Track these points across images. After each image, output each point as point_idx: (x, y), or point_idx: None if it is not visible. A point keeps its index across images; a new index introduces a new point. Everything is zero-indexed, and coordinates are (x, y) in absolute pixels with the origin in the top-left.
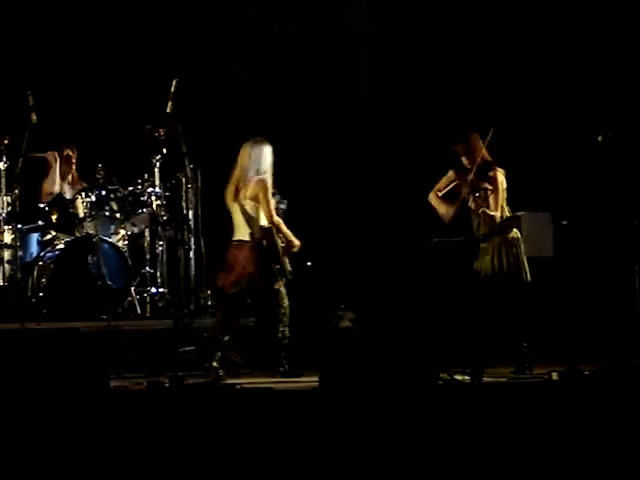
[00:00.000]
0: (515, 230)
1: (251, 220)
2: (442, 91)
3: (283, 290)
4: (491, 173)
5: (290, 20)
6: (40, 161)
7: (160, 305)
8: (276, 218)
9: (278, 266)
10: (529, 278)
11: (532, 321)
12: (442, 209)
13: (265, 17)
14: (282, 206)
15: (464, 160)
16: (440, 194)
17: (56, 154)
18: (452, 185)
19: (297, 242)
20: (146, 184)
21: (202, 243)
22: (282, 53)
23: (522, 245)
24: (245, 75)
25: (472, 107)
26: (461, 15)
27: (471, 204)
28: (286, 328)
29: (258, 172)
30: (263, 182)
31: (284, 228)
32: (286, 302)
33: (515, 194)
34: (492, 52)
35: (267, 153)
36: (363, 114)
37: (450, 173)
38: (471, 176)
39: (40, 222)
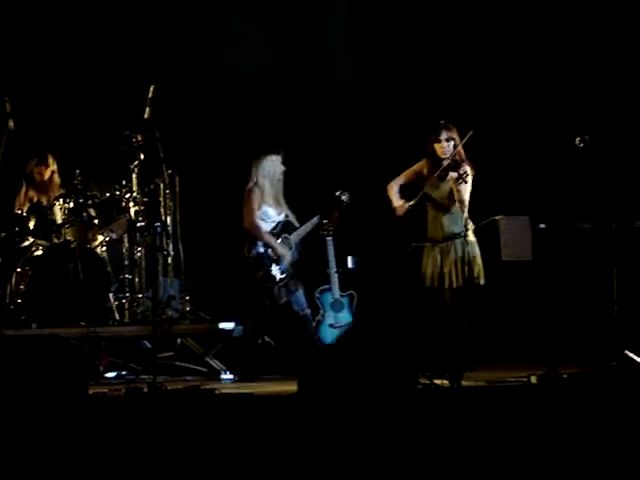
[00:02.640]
0: (471, 234)
1: None
2: (419, 91)
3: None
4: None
5: (267, 24)
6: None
7: (139, 311)
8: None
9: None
10: (482, 282)
11: (475, 326)
12: (396, 201)
13: (242, 21)
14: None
15: (437, 148)
16: (399, 184)
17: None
18: (415, 176)
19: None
20: (124, 190)
21: (181, 249)
22: (260, 57)
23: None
24: (223, 80)
25: (450, 109)
26: (440, 14)
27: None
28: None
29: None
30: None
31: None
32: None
33: (493, 198)
34: (470, 53)
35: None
36: (340, 118)
37: (422, 162)
38: (447, 162)
39: (17, 228)
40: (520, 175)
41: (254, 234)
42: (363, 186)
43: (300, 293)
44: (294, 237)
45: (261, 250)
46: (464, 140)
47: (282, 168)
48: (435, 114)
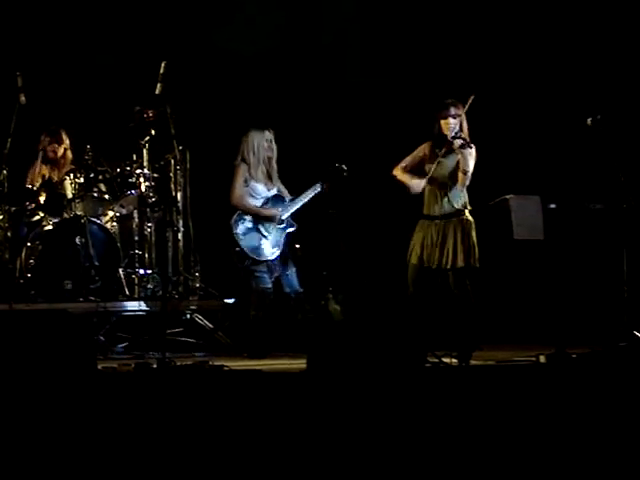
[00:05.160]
0: (468, 213)
1: None
2: (429, 69)
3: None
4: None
5: (277, 1)
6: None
7: (149, 287)
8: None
9: (237, 248)
10: (478, 264)
11: (478, 305)
12: (413, 181)
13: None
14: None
15: (444, 125)
16: (405, 167)
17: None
18: (419, 160)
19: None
20: (135, 166)
21: (191, 225)
22: (270, 34)
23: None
24: (234, 56)
25: (459, 87)
26: None
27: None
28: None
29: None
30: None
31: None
32: (254, 285)
33: (503, 177)
34: (481, 32)
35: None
36: (354, 96)
37: (423, 146)
38: (452, 138)
39: (28, 203)
40: (531, 155)
41: (240, 209)
42: (368, 164)
43: (292, 273)
44: (288, 207)
45: (249, 225)
46: (466, 107)
47: (270, 144)
48: (445, 93)
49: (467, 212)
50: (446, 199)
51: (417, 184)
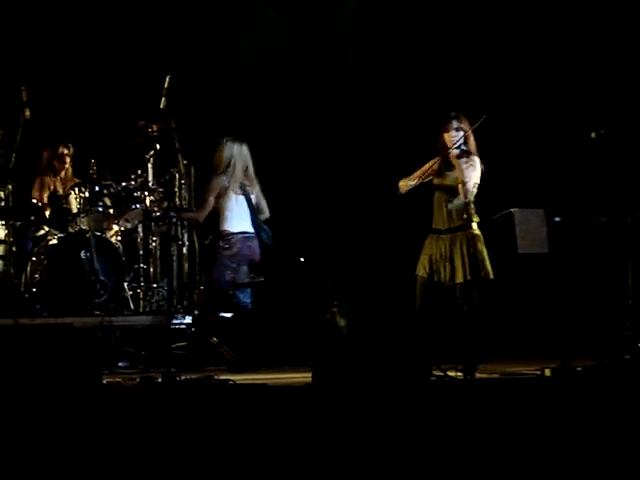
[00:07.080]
0: (476, 227)
1: None
2: (433, 82)
3: None
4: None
5: (282, 12)
6: (34, 157)
7: (154, 301)
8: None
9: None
10: (491, 276)
11: (484, 319)
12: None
13: (257, 10)
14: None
15: (447, 138)
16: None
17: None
18: (429, 172)
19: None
20: (139, 180)
21: (195, 239)
22: (273, 43)
23: (483, 242)
24: (238, 69)
25: (465, 102)
26: (453, 5)
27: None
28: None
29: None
30: None
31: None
32: None
33: (508, 191)
34: (486, 45)
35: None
36: (355, 107)
37: (433, 160)
38: (455, 150)
39: (33, 218)
40: (535, 168)
41: None
42: (373, 173)
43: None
44: None
45: None
46: (475, 125)
47: None
48: (448, 100)
49: (475, 225)
50: (451, 212)
51: (403, 184)
